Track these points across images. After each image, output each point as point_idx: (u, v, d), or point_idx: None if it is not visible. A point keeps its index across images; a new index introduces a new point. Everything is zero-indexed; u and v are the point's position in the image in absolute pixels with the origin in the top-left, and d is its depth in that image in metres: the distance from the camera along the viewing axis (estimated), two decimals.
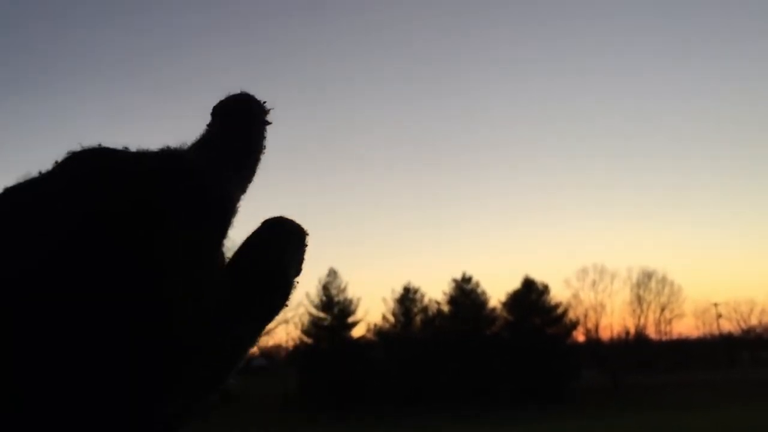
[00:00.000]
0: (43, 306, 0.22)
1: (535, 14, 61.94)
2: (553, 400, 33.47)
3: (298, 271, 0.32)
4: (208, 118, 0.34)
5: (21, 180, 0.26)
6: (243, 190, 0.33)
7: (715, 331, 53.36)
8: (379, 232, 63.22)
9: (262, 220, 0.33)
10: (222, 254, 0.30)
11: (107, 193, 0.25)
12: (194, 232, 0.26)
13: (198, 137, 0.33)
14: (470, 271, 43.79)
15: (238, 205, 0.31)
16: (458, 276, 40.31)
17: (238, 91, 0.36)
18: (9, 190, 0.26)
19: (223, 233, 0.29)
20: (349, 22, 62.88)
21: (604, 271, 46.23)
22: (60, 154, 0.25)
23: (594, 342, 44.04)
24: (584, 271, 46.00)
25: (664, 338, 50.87)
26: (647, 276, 48.09)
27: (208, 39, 62.77)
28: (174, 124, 59.85)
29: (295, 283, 0.31)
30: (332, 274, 40.09)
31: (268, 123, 0.37)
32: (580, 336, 43.57)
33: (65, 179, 0.26)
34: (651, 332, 49.17)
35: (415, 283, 43.84)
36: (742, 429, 16.28)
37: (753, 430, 16.44)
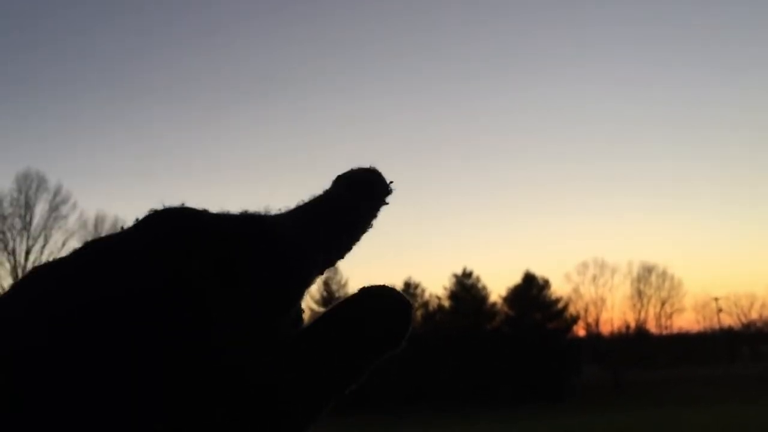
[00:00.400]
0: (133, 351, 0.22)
1: (536, 8, 61.79)
2: (553, 396, 33.51)
3: (392, 349, 0.30)
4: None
5: (104, 235, 0.26)
6: (331, 263, 0.32)
7: (716, 326, 53.38)
8: (379, 227, 62.95)
9: (362, 287, 0.30)
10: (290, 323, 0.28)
11: (190, 252, 0.25)
12: (266, 292, 0.26)
13: (311, 198, 0.33)
14: (471, 266, 43.65)
15: (315, 277, 0.30)
16: (459, 271, 40.35)
17: (368, 166, 0.36)
18: (93, 244, 0.26)
19: (292, 300, 0.28)
20: (351, 17, 62.75)
21: (604, 266, 46.20)
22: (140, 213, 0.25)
23: (594, 337, 44.04)
24: (584, 266, 45.97)
25: (664, 333, 50.91)
26: (648, 270, 48.08)
27: (210, 40, 62.61)
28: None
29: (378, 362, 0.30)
30: (333, 269, 39.74)
31: (386, 204, 0.36)
32: (580, 331, 43.60)
33: (150, 238, 0.26)
34: (651, 327, 49.18)
35: (416, 278, 43.82)
36: (742, 424, 16.28)
37: (754, 425, 16.44)
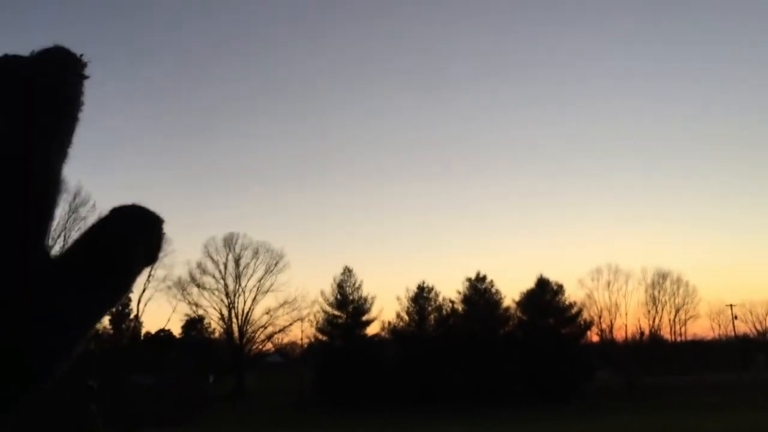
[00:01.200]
0: None
1: (551, 16, 61.87)
2: (566, 400, 33.55)
3: (149, 258, 0.31)
4: None
5: None
6: (63, 156, 0.31)
7: (730, 333, 53.12)
8: (394, 231, 63.40)
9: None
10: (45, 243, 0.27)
11: None
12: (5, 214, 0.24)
13: None
14: (484, 271, 43.81)
15: (62, 177, 0.29)
16: (472, 275, 40.52)
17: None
18: None
19: (43, 212, 0.27)
20: (360, 28, 63.15)
21: (618, 272, 46.20)
22: None
23: (608, 342, 44.01)
24: (598, 271, 45.99)
25: (678, 339, 50.75)
26: (662, 277, 48.00)
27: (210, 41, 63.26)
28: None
29: (143, 270, 0.30)
30: (347, 272, 40.40)
31: (85, 77, 0.34)
32: (594, 336, 43.60)
33: None
34: (665, 333, 49.10)
35: (430, 281, 44.04)
36: (755, 431, 16.35)
37: None
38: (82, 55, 0.34)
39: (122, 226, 0.30)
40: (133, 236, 0.30)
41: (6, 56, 0.32)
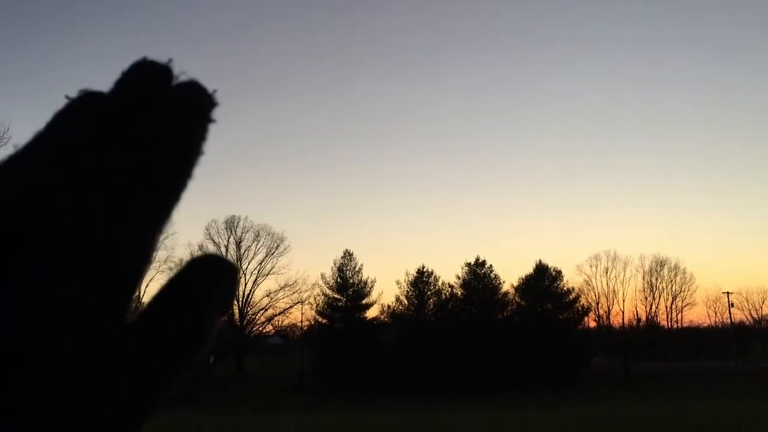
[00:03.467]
0: None
1: (547, 5, 61.50)
2: (563, 386, 33.87)
3: (224, 309, 0.29)
4: None
5: None
6: (158, 224, 0.27)
7: (727, 320, 53.48)
8: (394, 215, 63.54)
9: (193, 257, 0.28)
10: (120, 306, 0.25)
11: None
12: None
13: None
14: (483, 256, 44.04)
15: (154, 244, 0.27)
16: (471, 260, 40.74)
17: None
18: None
19: (132, 285, 0.26)
20: (365, 24, 62.76)
21: (616, 258, 46.43)
22: None
23: (605, 328, 44.34)
24: (597, 258, 46.23)
25: (675, 326, 51.07)
26: (660, 264, 48.23)
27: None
28: None
29: (219, 321, 0.29)
30: (347, 256, 40.58)
31: (212, 121, 0.30)
32: (591, 322, 43.92)
33: None
34: (662, 320, 49.39)
35: (429, 266, 44.21)
36: (752, 418, 16.55)
37: (763, 419, 16.69)
38: (215, 92, 0.30)
39: (203, 284, 0.28)
40: (214, 293, 0.28)
41: (139, 82, 0.28)
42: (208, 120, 0.29)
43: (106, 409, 0.24)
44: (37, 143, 0.26)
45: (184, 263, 0.29)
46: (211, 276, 0.28)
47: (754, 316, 54.66)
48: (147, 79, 0.28)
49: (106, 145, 0.26)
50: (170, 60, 0.29)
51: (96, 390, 0.23)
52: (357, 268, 40.37)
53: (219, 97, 0.27)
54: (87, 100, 0.28)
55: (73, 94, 0.28)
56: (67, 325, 0.23)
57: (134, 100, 0.28)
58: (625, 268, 47.53)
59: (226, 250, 43.52)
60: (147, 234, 0.26)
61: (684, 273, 49.06)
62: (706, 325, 55.30)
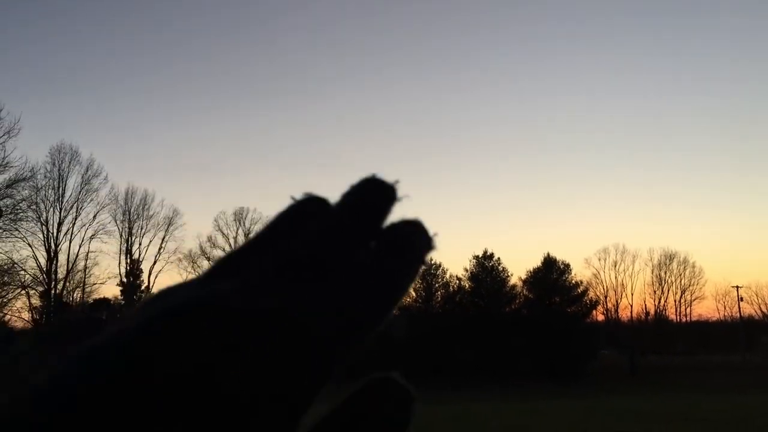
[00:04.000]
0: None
1: (552, 11, 61.18)
2: (570, 379, 33.91)
3: None
4: None
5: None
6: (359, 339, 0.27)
7: (736, 315, 53.32)
8: (402, 207, 63.59)
9: (368, 379, 0.28)
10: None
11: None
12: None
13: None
14: (492, 248, 44.05)
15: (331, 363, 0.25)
16: (480, 253, 40.75)
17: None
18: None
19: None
20: (373, 21, 62.64)
21: (625, 252, 46.40)
22: None
23: (613, 322, 44.32)
24: (605, 251, 46.20)
25: (683, 320, 50.97)
26: (669, 257, 48.14)
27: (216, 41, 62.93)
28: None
29: None
30: None
31: (426, 266, 0.29)
32: (599, 315, 43.91)
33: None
34: (671, 314, 49.32)
35: (437, 258, 44.24)
36: (759, 413, 16.54)
37: None
38: (397, 182, 0.29)
39: (383, 412, 0.27)
40: (393, 421, 0.27)
41: (367, 200, 0.28)
42: (423, 264, 0.28)
43: None
44: (258, 245, 0.26)
45: (361, 383, 0.27)
46: (394, 407, 0.27)
47: (764, 310, 54.47)
48: (375, 198, 0.28)
49: (328, 257, 0.26)
50: (397, 181, 0.28)
51: None
52: None
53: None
54: (312, 206, 0.27)
55: (297, 195, 0.27)
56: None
57: (360, 218, 0.27)
58: (633, 262, 47.59)
59: (235, 241, 43.73)
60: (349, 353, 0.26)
61: (693, 267, 49.01)
62: (714, 319, 55.17)
